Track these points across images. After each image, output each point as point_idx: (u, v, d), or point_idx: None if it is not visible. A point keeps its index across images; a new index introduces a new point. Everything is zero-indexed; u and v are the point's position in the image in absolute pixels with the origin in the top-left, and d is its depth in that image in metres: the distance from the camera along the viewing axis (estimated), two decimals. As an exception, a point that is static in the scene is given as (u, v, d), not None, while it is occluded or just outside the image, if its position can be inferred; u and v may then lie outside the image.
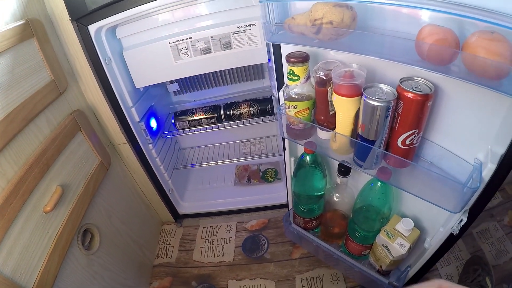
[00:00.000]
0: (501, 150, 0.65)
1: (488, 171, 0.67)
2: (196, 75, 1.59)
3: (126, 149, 1.33)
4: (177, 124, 1.52)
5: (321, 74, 0.81)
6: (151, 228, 1.63)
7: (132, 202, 1.44)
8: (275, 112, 1.45)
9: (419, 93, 0.67)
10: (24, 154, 0.83)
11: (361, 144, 0.80)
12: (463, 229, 0.80)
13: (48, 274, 0.83)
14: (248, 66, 1.56)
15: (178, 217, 1.76)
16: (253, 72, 1.60)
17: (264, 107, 1.45)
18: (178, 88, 1.64)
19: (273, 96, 1.45)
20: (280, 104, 1.01)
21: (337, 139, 0.86)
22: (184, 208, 1.76)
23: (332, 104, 0.83)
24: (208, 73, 1.58)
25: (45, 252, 0.85)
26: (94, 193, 1.10)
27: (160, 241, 1.68)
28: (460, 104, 0.71)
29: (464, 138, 0.74)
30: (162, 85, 1.64)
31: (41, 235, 0.85)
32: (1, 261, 0.73)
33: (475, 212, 0.78)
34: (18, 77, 0.83)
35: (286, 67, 0.89)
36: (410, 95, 0.67)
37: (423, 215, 0.99)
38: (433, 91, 0.67)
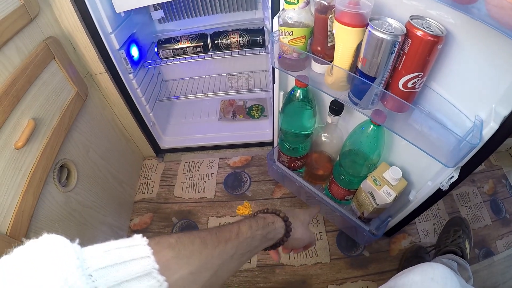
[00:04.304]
0: (505, 111, 0.63)
1: (489, 130, 0.65)
2: (183, 0, 1.45)
3: (105, 79, 1.24)
4: (160, 52, 1.42)
5: None
6: (132, 163, 1.60)
7: (112, 136, 1.38)
8: (266, 44, 1.37)
9: (431, 33, 0.62)
10: (-9, 87, 0.75)
11: (359, 80, 0.75)
12: (452, 186, 0.80)
13: (23, 214, 0.79)
14: (240, -7, 1.43)
15: (159, 152, 1.72)
16: (245, 0, 1.47)
17: (255, 38, 1.35)
18: (163, 15, 1.50)
19: (266, 27, 1.36)
20: (274, 31, 0.93)
21: (333, 72, 0.81)
22: (166, 142, 1.72)
23: (332, 35, 0.77)
24: (196, -1, 1.45)
25: (19, 191, 0.80)
26: (70, 126, 1.04)
27: (141, 176, 1.65)
28: (471, 55, 0.66)
29: (468, 93, 0.72)
30: (146, 12, 1.49)
31: (13, 173, 0.79)
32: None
33: (466, 171, 0.78)
34: (-22, 0, 0.72)
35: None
36: (420, 33, 0.62)
37: (411, 167, 0.99)
38: (444, 34, 0.63)
